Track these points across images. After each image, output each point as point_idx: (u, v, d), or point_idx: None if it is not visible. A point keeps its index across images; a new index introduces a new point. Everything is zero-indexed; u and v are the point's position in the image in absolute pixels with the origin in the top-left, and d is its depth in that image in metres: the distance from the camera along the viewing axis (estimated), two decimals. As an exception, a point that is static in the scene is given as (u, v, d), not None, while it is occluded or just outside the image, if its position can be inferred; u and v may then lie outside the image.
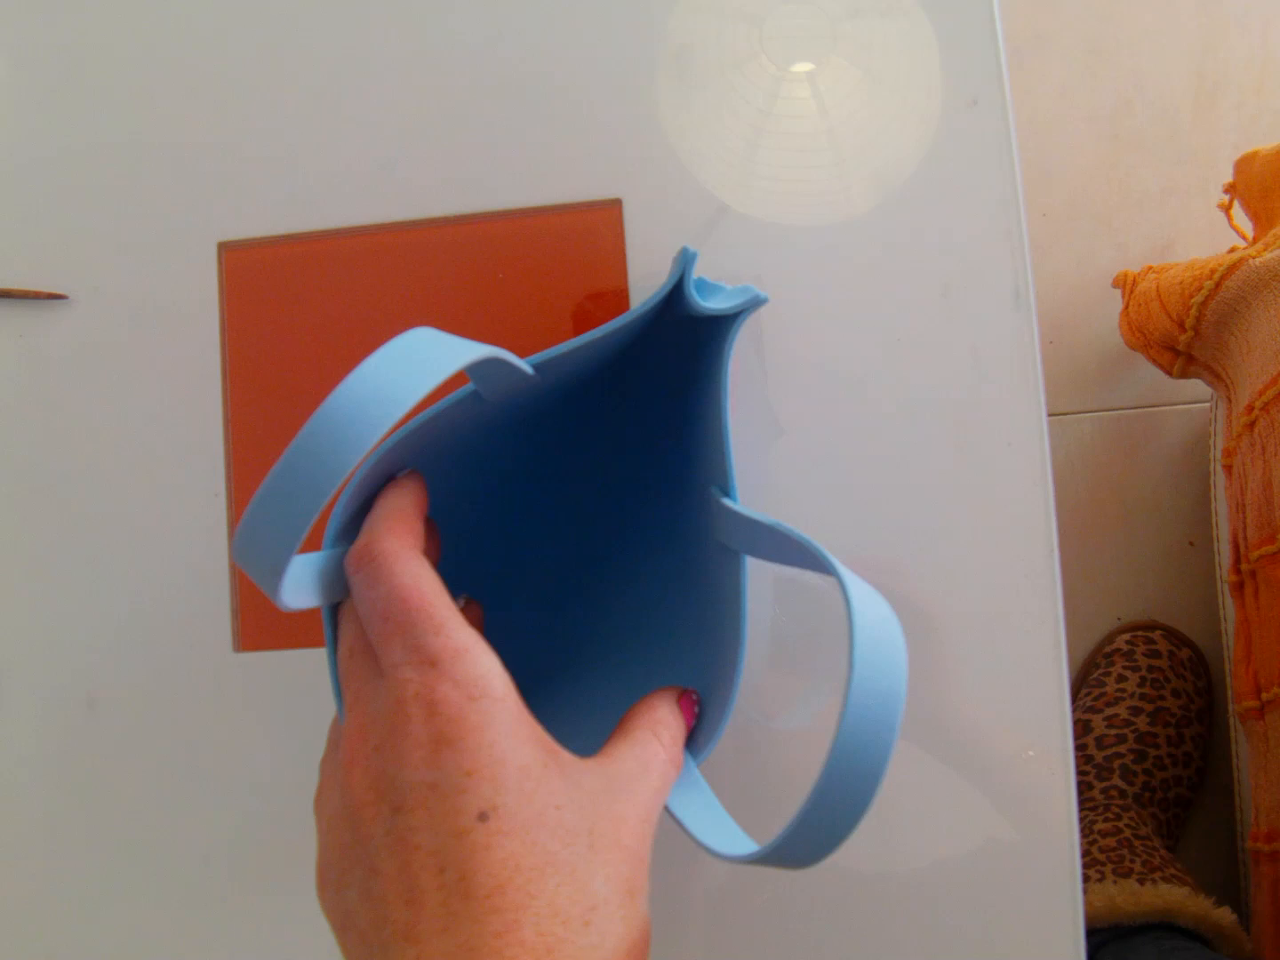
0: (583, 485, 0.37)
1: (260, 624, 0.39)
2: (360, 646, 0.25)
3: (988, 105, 0.38)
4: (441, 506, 0.29)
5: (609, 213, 0.39)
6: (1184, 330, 0.68)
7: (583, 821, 0.24)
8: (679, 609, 0.35)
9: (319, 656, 0.30)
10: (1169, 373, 0.75)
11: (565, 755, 0.25)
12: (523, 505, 0.36)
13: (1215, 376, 0.70)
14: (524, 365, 0.27)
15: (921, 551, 0.37)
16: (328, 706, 0.28)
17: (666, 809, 0.28)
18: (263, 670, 0.39)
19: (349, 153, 0.40)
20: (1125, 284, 0.83)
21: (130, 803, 0.39)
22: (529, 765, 0.23)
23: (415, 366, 0.22)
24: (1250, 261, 0.61)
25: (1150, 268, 0.81)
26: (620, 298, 0.39)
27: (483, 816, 0.22)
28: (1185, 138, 0.95)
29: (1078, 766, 0.78)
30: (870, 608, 0.23)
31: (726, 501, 0.31)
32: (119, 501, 0.40)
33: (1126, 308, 0.80)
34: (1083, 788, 0.80)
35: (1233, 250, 0.67)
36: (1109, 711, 0.82)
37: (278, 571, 0.23)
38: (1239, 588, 0.64)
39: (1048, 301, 0.94)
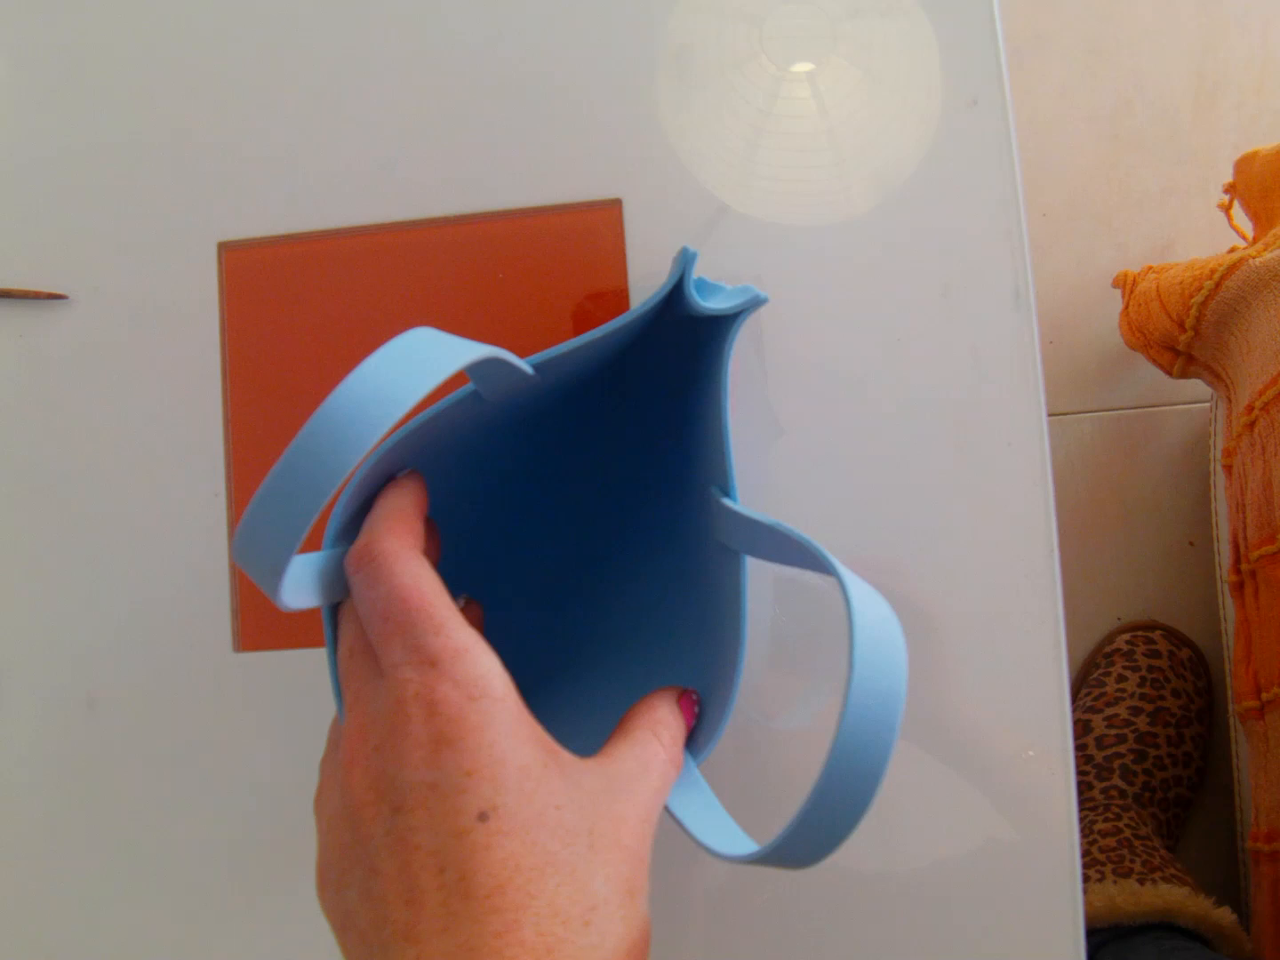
0: (583, 485, 0.37)
1: (260, 624, 0.39)
2: (360, 646, 0.25)
3: (988, 105, 0.38)
4: (441, 506, 0.29)
5: (609, 213, 0.39)
6: (1184, 330, 0.68)
7: (583, 821, 0.24)
8: (679, 609, 0.35)
9: (319, 656, 0.30)
10: (1169, 373, 0.75)
11: (565, 755, 0.25)
12: (523, 505, 0.36)
13: (1215, 376, 0.70)
14: (524, 365, 0.27)
15: (921, 551, 0.37)
16: (328, 706, 0.28)
17: (666, 809, 0.28)
18: (263, 670, 0.39)
19: (349, 153, 0.40)
20: (1125, 284, 0.83)
21: (130, 803, 0.39)
22: (529, 765, 0.23)
23: (415, 366, 0.22)
24: (1250, 261, 0.61)
25: (1150, 268, 0.81)
26: (620, 298, 0.39)
27: (483, 816, 0.22)
28: (1185, 138, 0.95)
29: (1078, 766, 0.78)
30: (870, 608, 0.23)
31: (726, 501, 0.31)
32: (119, 501, 0.40)
33: (1126, 308, 0.80)
34: (1083, 788, 0.80)
35: (1233, 250, 0.67)
36: (1109, 711, 0.82)
37: (278, 571, 0.23)
38: (1239, 588, 0.64)
39: (1048, 301, 0.94)
